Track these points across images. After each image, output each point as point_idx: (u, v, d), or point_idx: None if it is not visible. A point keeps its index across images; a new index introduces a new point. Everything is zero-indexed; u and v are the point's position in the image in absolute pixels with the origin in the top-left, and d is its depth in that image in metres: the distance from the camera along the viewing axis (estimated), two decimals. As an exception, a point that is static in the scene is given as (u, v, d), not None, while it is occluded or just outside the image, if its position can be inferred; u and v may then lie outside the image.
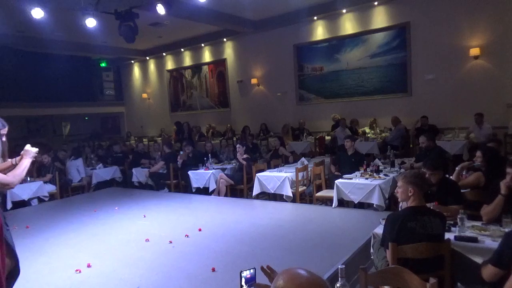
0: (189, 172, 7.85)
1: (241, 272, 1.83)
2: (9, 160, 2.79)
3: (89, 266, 3.96)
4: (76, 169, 8.78)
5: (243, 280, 1.83)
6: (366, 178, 5.62)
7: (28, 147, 2.72)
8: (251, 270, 1.85)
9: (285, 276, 1.16)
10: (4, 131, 2.72)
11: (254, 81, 12.71)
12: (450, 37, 9.17)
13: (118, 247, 4.63)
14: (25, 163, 2.59)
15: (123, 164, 9.96)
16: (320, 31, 11.23)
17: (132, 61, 16.52)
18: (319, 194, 6.19)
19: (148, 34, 11.58)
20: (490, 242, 2.82)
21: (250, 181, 7.20)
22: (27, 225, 5.76)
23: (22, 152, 2.70)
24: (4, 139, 2.73)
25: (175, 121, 13.88)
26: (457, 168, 4.42)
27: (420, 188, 2.83)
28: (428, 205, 3.05)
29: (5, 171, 2.72)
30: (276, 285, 1.16)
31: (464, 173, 4.47)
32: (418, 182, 2.83)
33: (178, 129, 13.47)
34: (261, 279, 1.68)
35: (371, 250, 3.33)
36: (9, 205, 6.88)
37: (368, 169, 5.97)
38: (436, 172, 3.66)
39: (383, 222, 3.05)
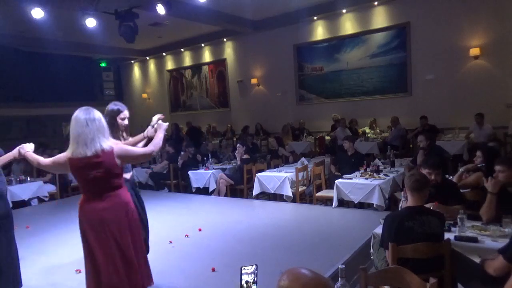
0: (189, 172, 7.85)
1: (241, 268, 1.75)
2: (142, 134, 3.32)
3: (89, 266, 3.96)
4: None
5: (243, 278, 1.75)
6: (366, 178, 5.62)
7: (161, 122, 3.03)
8: (253, 267, 1.76)
9: (290, 276, 1.15)
10: (123, 115, 3.35)
11: (254, 81, 12.70)
12: (450, 37, 9.16)
13: (118, 247, 4.62)
14: (161, 135, 2.84)
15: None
16: (320, 31, 11.23)
17: (132, 61, 16.51)
18: (319, 194, 6.19)
19: (148, 34, 11.56)
20: (490, 242, 2.82)
21: (250, 181, 7.20)
22: (27, 225, 5.77)
23: (155, 126, 3.03)
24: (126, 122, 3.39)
25: (174, 121, 13.84)
26: (461, 170, 4.42)
27: (413, 190, 2.81)
28: (428, 205, 3.05)
29: (139, 143, 3.37)
30: (280, 284, 1.15)
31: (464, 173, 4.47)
32: (410, 185, 2.82)
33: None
34: (263, 276, 1.65)
35: (371, 250, 3.33)
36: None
37: (368, 169, 5.98)
38: (435, 172, 3.61)
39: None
